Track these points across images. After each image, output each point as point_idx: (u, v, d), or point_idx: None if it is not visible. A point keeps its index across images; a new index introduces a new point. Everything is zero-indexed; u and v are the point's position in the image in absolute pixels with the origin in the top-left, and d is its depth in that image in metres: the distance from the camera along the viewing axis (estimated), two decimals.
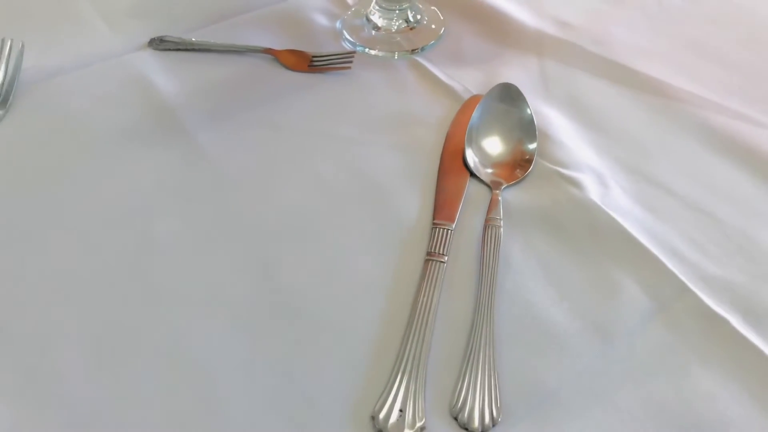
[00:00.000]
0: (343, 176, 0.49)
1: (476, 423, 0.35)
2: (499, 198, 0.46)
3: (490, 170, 0.49)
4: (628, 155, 0.50)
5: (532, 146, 0.50)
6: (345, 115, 0.54)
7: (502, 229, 0.44)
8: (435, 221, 0.45)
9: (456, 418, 0.36)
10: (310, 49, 0.58)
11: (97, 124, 0.52)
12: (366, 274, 0.43)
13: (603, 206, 0.46)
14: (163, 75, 0.56)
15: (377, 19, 0.61)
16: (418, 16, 0.62)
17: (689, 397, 0.37)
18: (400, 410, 0.35)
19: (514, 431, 0.36)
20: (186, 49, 0.58)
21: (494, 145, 0.50)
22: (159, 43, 0.59)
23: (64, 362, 0.38)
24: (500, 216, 0.45)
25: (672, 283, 0.42)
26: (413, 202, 0.47)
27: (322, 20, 0.63)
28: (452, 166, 0.49)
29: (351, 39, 0.60)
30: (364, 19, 0.62)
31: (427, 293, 0.41)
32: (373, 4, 0.62)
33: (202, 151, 0.50)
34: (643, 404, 0.37)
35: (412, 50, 0.59)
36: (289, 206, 0.47)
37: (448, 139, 0.51)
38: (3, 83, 0.53)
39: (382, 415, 0.35)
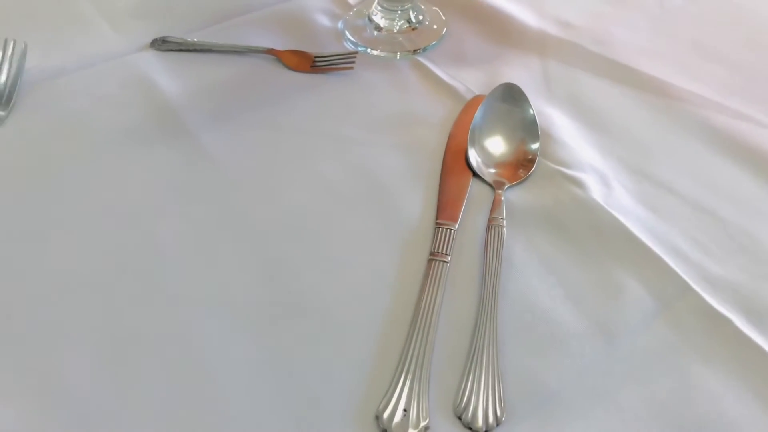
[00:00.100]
0: (346, 176, 0.49)
1: (480, 422, 0.35)
2: (502, 198, 0.47)
3: (492, 170, 0.49)
4: (631, 155, 0.51)
5: (535, 146, 0.50)
6: (348, 116, 0.54)
7: (505, 229, 0.44)
8: (438, 221, 0.45)
9: (460, 418, 0.36)
10: (313, 49, 0.58)
11: (99, 124, 0.52)
12: (369, 274, 0.43)
13: (605, 206, 0.46)
14: (166, 75, 0.56)
15: (379, 19, 0.61)
16: (420, 17, 0.62)
17: (692, 397, 0.37)
18: (404, 410, 0.36)
19: (517, 430, 0.36)
20: (188, 50, 0.58)
21: (497, 145, 0.50)
22: (161, 44, 0.59)
23: (68, 362, 0.38)
24: (503, 216, 0.45)
25: (674, 283, 0.42)
26: (416, 202, 0.47)
27: (324, 21, 0.63)
28: (455, 166, 0.49)
29: (353, 39, 0.60)
30: (366, 19, 0.62)
31: (430, 293, 0.41)
32: (375, 4, 0.62)
33: (205, 151, 0.50)
34: (646, 404, 0.37)
35: (414, 50, 0.59)
36: (292, 206, 0.47)
37: (451, 139, 0.51)
38: (6, 84, 0.53)
39: (386, 415, 0.35)
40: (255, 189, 0.48)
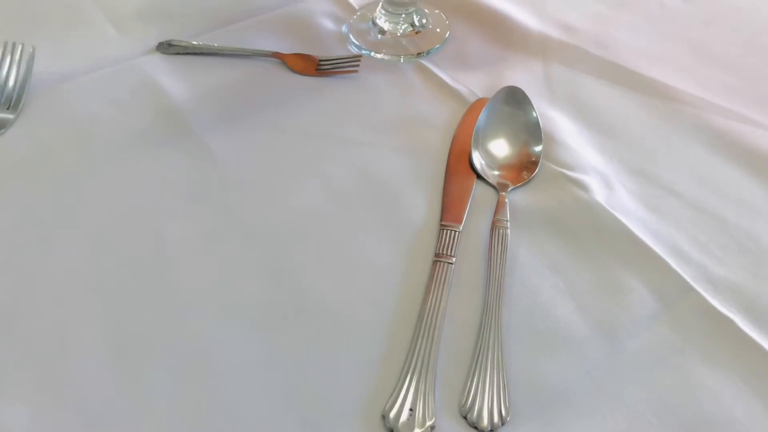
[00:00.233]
0: (351, 178, 0.49)
1: (485, 422, 0.36)
2: (506, 200, 0.47)
3: (496, 172, 0.49)
4: (633, 157, 0.51)
5: (538, 149, 0.51)
6: (352, 118, 0.54)
7: (509, 231, 0.45)
8: (442, 223, 0.46)
9: (465, 417, 0.36)
10: (317, 52, 0.59)
11: (106, 127, 0.53)
12: (375, 275, 0.43)
13: (608, 207, 0.47)
14: (172, 79, 0.57)
15: (383, 23, 0.62)
16: (424, 20, 0.62)
17: (695, 396, 0.38)
18: (411, 409, 0.36)
19: (522, 430, 0.36)
20: (194, 53, 0.59)
21: (500, 147, 0.51)
22: (167, 47, 0.59)
23: (78, 363, 0.39)
24: (507, 217, 0.46)
25: (677, 284, 0.43)
26: (421, 204, 0.47)
27: (328, 24, 0.63)
28: (459, 168, 0.50)
29: (357, 43, 0.61)
30: (370, 23, 0.63)
31: (435, 294, 0.41)
32: (378, 8, 0.62)
33: (211, 153, 0.51)
34: (650, 403, 0.37)
35: (418, 54, 0.60)
36: (298, 208, 0.47)
37: (455, 141, 0.52)
38: (15, 87, 0.54)
39: (392, 414, 0.36)
40: (261, 191, 0.48)
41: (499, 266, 0.43)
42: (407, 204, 0.48)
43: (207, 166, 0.50)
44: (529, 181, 0.49)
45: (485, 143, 0.51)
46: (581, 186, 0.48)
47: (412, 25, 0.62)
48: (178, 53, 0.59)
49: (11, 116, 0.52)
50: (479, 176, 0.49)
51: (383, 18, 0.62)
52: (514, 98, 0.53)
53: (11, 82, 0.54)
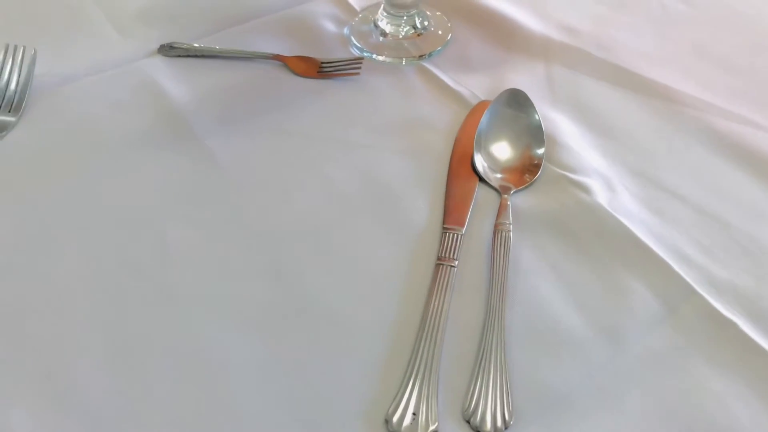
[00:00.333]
0: (352, 181, 0.49)
1: (488, 426, 0.36)
2: (508, 203, 0.47)
3: (499, 175, 0.49)
4: (635, 159, 0.51)
5: (540, 151, 0.50)
6: (354, 121, 0.54)
7: (511, 234, 0.45)
8: (445, 226, 0.46)
9: (468, 421, 0.36)
10: (319, 55, 0.59)
11: (108, 130, 0.53)
12: (377, 278, 0.43)
13: (610, 210, 0.47)
14: (173, 81, 0.57)
15: (385, 25, 0.62)
16: (425, 23, 0.62)
17: (698, 399, 0.38)
18: (414, 413, 0.36)
19: None
20: (195, 56, 0.59)
21: (503, 150, 0.51)
22: (169, 50, 0.59)
23: (81, 365, 0.39)
24: (509, 220, 0.46)
25: (679, 286, 0.43)
26: (423, 207, 0.47)
27: (330, 26, 0.63)
28: (461, 171, 0.50)
29: (359, 45, 0.61)
30: (372, 25, 0.63)
31: (438, 297, 0.41)
32: (380, 10, 0.62)
33: (213, 156, 0.51)
34: (653, 406, 0.37)
35: (420, 56, 0.60)
36: (300, 211, 0.47)
37: (457, 144, 0.52)
38: (16, 90, 0.54)
39: (395, 419, 0.36)
40: (262, 193, 0.48)
41: (502, 269, 0.43)
42: (409, 207, 0.48)
43: (208, 168, 0.50)
44: (531, 184, 0.49)
45: (487, 146, 0.51)
46: (584, 188, 0.48)
47: (414, 27, 0.62)
48: (179, 56, 0.59)
49: (13, 119, 0.52)
50: (481, 179, 0.49)
51: (385, 20, 0.62)
52: (516, 100, 0.53)
53: (13, 85, 0.54)
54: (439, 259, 0.43)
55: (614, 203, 0.47)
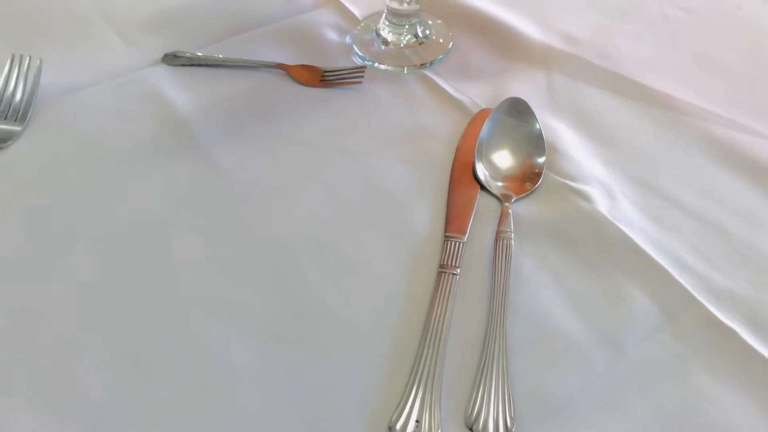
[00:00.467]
0: (355, 189, 0.50)
1: None
2: (510, 211, 0.47)
3: (500, 183, 0.50)
4: (635, 167, 0.51)
5: (541, 159, 0.51)
6: (356, 129, 0.55)
7: (512, 242, 0.45)
8: (447, 234, 0.46)
9: (471, 428, 0.37)
10: (321, 63, 0.59)
11: (113, 138, 0.53)
12: (380, 287, 0.43)
13: (611, 218, 0.47)
14: (177, 90, 0.57)
15: (387, 34, 0.62)
16: (427, 31, 0.63)
17: (698, 407, 0.38)
18: (417, 420, 0.36)
19: None
20: (199, 65, 0.59)
21: (504, 158, 0.51)
22: (173, 59, 0.60)
23: (85, 372, 0.39)
24: (511, 228, 0.46)
25: (680, 294, 0.43)
26: (425, 215, 0.48)
27: (332, 35, 0.64)
28: (463, 179, 0.50)
29: (361, 54, 0.61)
30: (374, 34, 0.63)
31: (440, 305, 0.41)
32: (382, 19, 0.63)
33: (216, 164, 0.51)
34: (654, 413, 0.38)
35: (421, 65, 0.60)
36: (303, 219, 0.48)
37: (458, 152, 0.52)
38: (22, 99, 0.54)
39: (399, 426, 0.36)
40: (266, 201, 0.49)
41: (504, 277, 0.43)
42: (411, 215, 0.48)
43: (212, 176, 0.50)
44: (532, 192, 0.49)
45: (489, 154, 0.51)
46: (584, 197, 0.48)
47: (416, 36, 0.62)
48: (183, 65, 0.59)
49: (18, 128, 0.53)
50: (483, 187, 0.50)
51: (387, 29, 0.62)
52: (517, 109, 0.53)
53: (18, 95, 0.54)
54: (441, 266, 0.44)
55: (614, 211, 0.48)
